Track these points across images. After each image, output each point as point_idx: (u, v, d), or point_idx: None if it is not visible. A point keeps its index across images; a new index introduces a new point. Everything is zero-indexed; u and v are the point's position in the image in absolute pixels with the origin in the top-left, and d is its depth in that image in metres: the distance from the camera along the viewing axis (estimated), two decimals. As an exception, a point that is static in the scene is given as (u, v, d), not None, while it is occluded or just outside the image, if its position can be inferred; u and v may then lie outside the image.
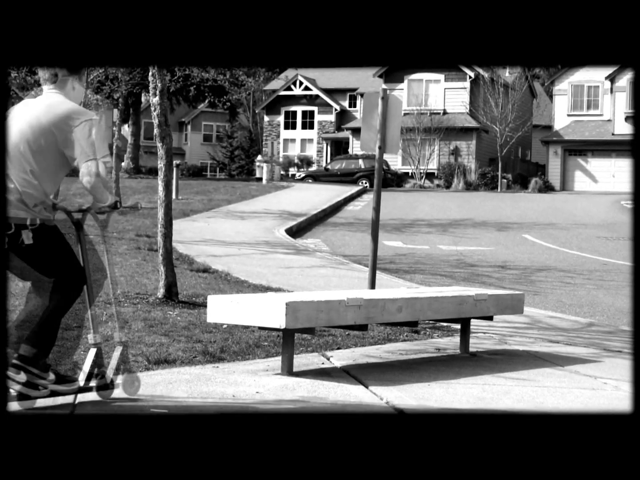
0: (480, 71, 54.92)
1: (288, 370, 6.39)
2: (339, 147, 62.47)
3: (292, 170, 60.38)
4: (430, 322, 8.95)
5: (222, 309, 6.41)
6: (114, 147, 25.73)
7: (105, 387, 5.47)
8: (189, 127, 78.60)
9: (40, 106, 5.53)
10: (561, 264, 17.31)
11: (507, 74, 59.49)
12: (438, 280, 14.10)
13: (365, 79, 59.89)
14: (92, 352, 5.49)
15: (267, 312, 6.17)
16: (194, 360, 6.76)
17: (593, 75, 56.65)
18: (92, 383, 5.40)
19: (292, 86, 63.73)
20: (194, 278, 11.96)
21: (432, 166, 55.68)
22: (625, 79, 54.38)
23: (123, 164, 49.01)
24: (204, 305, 8.70)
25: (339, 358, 7.18)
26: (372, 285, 9.74)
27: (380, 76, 57.80)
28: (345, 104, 63.53)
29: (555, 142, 56.43)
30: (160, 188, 9.86)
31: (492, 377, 6.60)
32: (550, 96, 60.95)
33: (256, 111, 70.17)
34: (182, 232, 18.16)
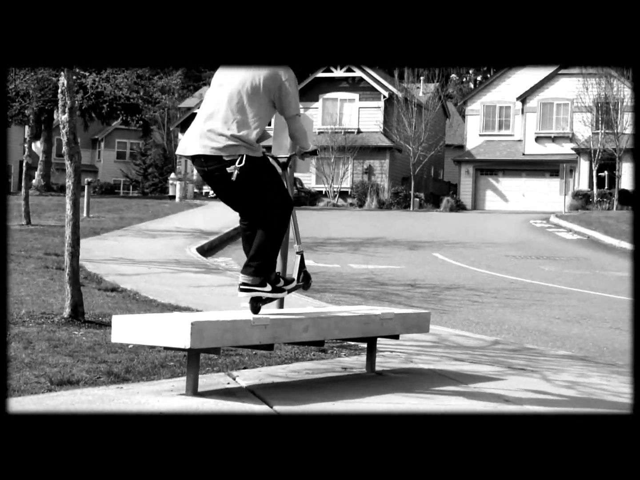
0: (395, 90, 55.43)
1: (193, 390, 6.37)
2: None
3: (206, 189, 60.19)
4: (338, 341, 8.99)
5: (127, 329, 6.36)
6: (24, 164, 25.41)
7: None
8: (102, 144, 77.96)
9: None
10: (469, 283, 17.51)
11: (421, 94, 60.14)
12: (348, 299, 14.18)
13: (280, 97, 59.91)
14: (298, 257, 7.25)
15: (172, 332, 6.14)
16: (98, 381, 6.70)
17: (504, 96, 57.58)
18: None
19: (207, 104, 63.47)
20: (101, 297, 11.85)
21: (346, 185, 55.99)
22: (535, 100, 55.35)
23: (34, 181, 48.38)
24: (110, 324, 8.63)
25: (245, 378, 7.18)
26: (281, 305, 9.75)
27: (294, 95, 57.83)
28: (261, 122, 63.47)
29: (467, 161, 57.20)
30: (68, 206, 9.77)
31: (396, 396, 6.65)
32: (463, 116, 61.75)
33: (171, 128, 69.83)
34: (91, 250, 18.00)
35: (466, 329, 11.84)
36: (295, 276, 7.18)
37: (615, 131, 50.78)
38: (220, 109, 6.37)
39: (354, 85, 57.44)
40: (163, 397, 6.22)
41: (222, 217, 32.33)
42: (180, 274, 16.18)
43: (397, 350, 9.15)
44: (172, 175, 52.81)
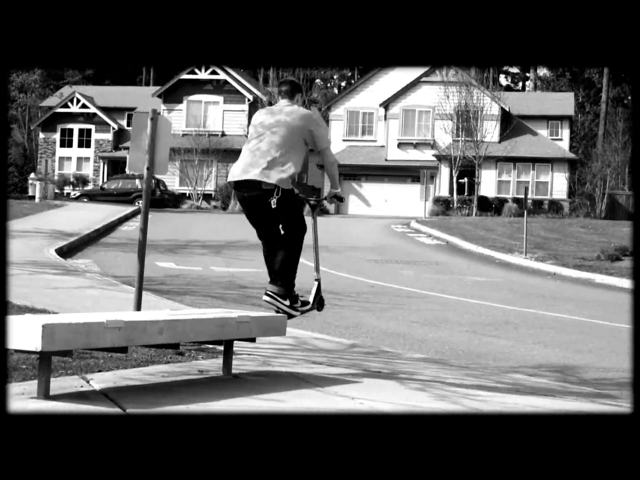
0: (259, 94, 55.50)
1: (44, 394, 6.25)
2: (117, 167, 61.72)
3: (68, 189, 59.20)
4: (196, 343, 8.95)
5: (-24, 332, 6.21)
6: None
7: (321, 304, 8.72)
8: (-42, 142, 75.90)
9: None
10: (330, 286, 17.60)
11: (285, 98, 60.20)
12: (208, 302, 14.13)
13: (144, 98, 59.46)
14: (316, 284, 8.68)
15: (23, 335, 6.02)
16: (-54, 384, 6.52)
17: (368, 102, 58.22)
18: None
19: (69, 103, 62.57)
20: (-46, 299, 11.54)
21: (210, 187, 55.83)
22: (398, 107, 56.13)
23: None
24: (-40, 327, 8.40)
25: (99, 381, 7.08)
26: (138, 307, 9.67)
27: (159, 96, 57.49)
28: (124, 122, 62.89)
29: (331, 166, 57.42)
30: None
31: (251, 399, 6.66)
32: (327, 121, 62.09)
33: (31, 128, 68.44)
34: (-55, 251, 17.48)
35: (325, 332, 11.93)
36: (311, 300, 8.58)
37: (475, 139, 51.90)
38: (261, 147, 7.95)
39: (219, 87, 57.34)
40: (13, 400, 6.09)
41: (83, 219, 31.88)
42: (38, 275, 15.87)
43: (255, 353, 9.16)
44: (32, 175, 51.77)
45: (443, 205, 51.32)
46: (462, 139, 52.50)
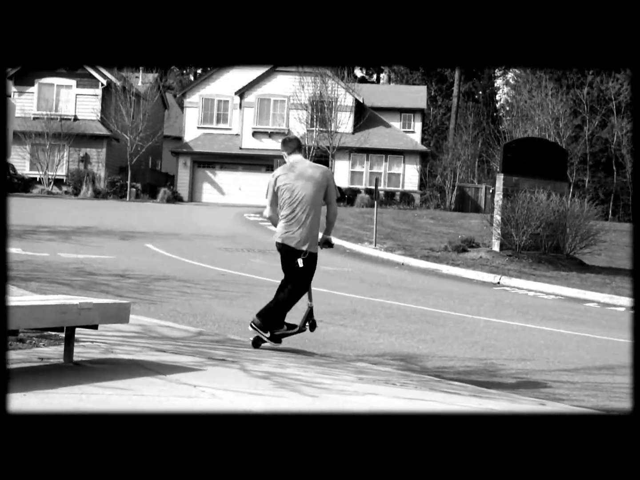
0: (113, 79, 54.74)
1: None
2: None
3: None
4: (37, 330, 8.80)
5: None
6: None
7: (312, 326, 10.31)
8: None
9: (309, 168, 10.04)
10: (180, 274, 17.57)
11: (140, 84, 59.65)
12: (55, 288, 13.89)
13: (-7, 79, 57.83)
14: (307, 310, 10.18)
15: None
16: None
17: (223, 90, 58.03)
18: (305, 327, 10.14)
19: None
20: None
21: (61, 172, 54.77)
22: (253, 95, 56.12)
23: None
24: None
25: None
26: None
27: (10, 78, 56.09)
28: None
29: (185, 153, 57.28)
30: None
31: (91, 387, 6.59)
32: (182, 108, 61.71)
33: None
34: None
35: (173, 320, 11.87)
36: (299, 323, 10.23)
37: (329, 129, 52.30)
38: (299, 218, 9.88)
39: (72, 71, 56.30)
40: None
41: None
42: None
43: (99, 341, 9.06)
44: None
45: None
46: (317, 129, 52.84)
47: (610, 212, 61.49)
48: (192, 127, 58.00)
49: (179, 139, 60.12)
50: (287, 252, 9.99)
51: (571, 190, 53.08)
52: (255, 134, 56.43)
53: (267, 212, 10.32)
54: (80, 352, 8.08)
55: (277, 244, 10.14)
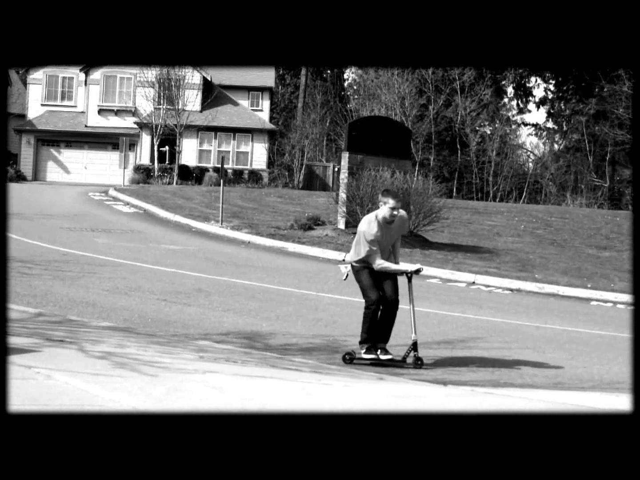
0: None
1: None
2: None
3: None
4: None
5: None
6: None
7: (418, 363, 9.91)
8: None
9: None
10: (21, 255, 17.17)
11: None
12: None
13: None
14: (411, 342, 10.00)
15: None
16: None
17: (67, 66, 56.78)
18: (408, 360, 9.97)
19: None
20: None
21: None
22: (99, 72, 55.19)
23: None
24: None
25: None
26: None
27: None
28: None
29: (29, 131, 55.99)
30: None
31: None
32: (25, 84, 60.19)
33: None
34: None
35: (11, 301, 11.60)
36: (403, 355, 10.12)
37: (177, 107, 51.84)
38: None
39: None
40: None
41: None
42: None
43: None
44: None
45: (144, 174, 50.97)
46: (164, 107, 52.32)
47: (454, 189, 62.87)
48: (35, 104, 56.70)
49: (22, 116, 58.63)
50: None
51: (417, 168, 54.06)
52: (101, 111, 55.52)
53: None
54: None
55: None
